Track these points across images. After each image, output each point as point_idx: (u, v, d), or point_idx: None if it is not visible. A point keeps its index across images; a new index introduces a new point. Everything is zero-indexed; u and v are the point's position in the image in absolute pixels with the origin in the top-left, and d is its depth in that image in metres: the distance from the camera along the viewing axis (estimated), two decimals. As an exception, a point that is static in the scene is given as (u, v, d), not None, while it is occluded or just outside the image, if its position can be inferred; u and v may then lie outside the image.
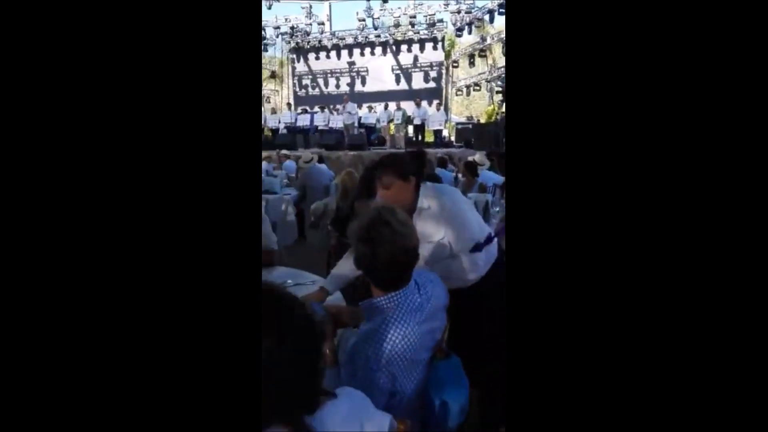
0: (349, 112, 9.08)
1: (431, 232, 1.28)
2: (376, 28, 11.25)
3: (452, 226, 1.31)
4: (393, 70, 11.77)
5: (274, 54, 13.54)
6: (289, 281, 1.57)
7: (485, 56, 10.66)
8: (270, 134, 10.33)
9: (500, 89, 9.44)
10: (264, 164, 6.25)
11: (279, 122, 10.13)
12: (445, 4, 10.20)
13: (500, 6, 8.55)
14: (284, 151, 6.77)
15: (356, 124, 9.14)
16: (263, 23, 12.24)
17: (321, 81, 12.60)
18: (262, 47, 12.76)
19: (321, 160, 4.89)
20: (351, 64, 12.07)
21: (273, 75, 13.69)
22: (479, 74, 10.84)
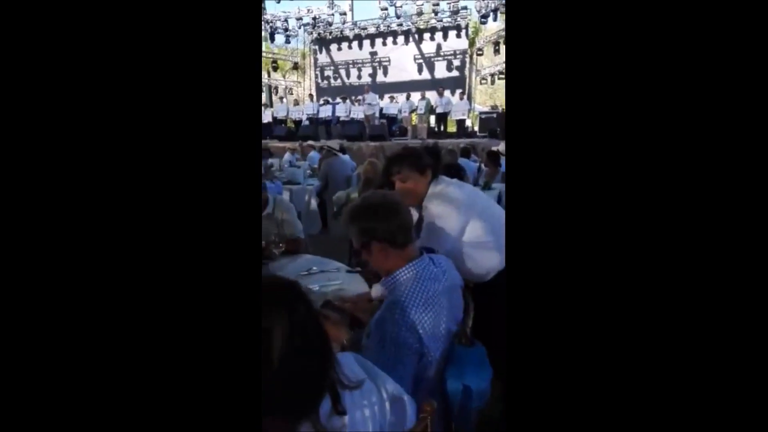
0: (370, 103, 9.07)
1: (434, 215, 1.35)
2: (398, 17, 11.10)
3: (460, 216, 1.34)
4: (415, 59, 11.62)
5: (297, 45, 13.62)
6: (314, 268, 1.62)
7: (510, 43, 10.33)
8: (293, 126, 10.46)
9: (526, 77, 9.13)
10: (287, 155, 6.35)
11: (302, 114, 10.23)
12: (469, -10, 9.95)
13: (527, -10, 8.23)
14: (310, 142, 6.85)
15: (377, 115, 9.13)
16: (286, 15, 12.32)
17: (343, 72, 12.60)
18: (285, 39, 12.87)
19: (343, 150, 4.92)
20: (373, 54, 11.99)
21: (295, 66, 13.79)
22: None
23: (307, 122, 9.91)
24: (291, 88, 13.49)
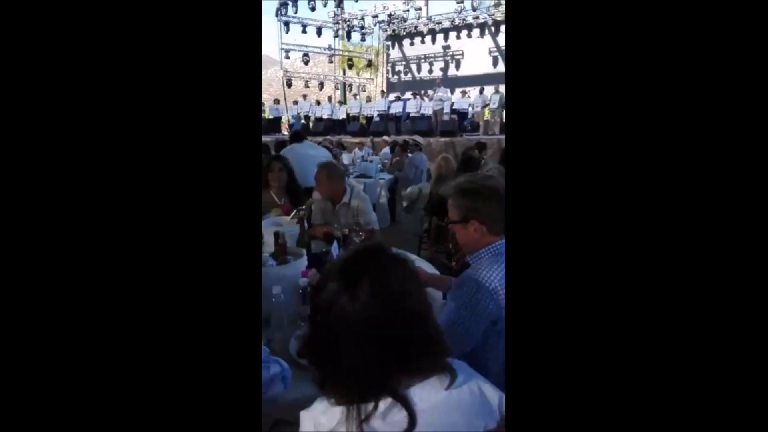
0: (440, 98, 8.96)
1: None
2: (474, 9, 10.78)
3: None
4: (491, 52, 11.19)
5: (371, 43, 13.92)
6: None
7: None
8: (364, 122, 10.76)
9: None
10: (359, 151, 6.57)
11: (373, 110, 10.47)
12: (554, -25, 9.25)
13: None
14: (384, 138, 7.01)
15: (447, 110, 8.99)
16: (362, 13, 12.65)
17: (414, 66, 12.61)
18: (361, 37, 13.23)
19: (420, 146, 4.96)
20: (446, 47, 11.81)
21: (369, 64, 14.12)
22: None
23: (377, 118, 10.12)
24: (364, 85, 13.86)
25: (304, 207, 1.82)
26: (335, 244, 1.68)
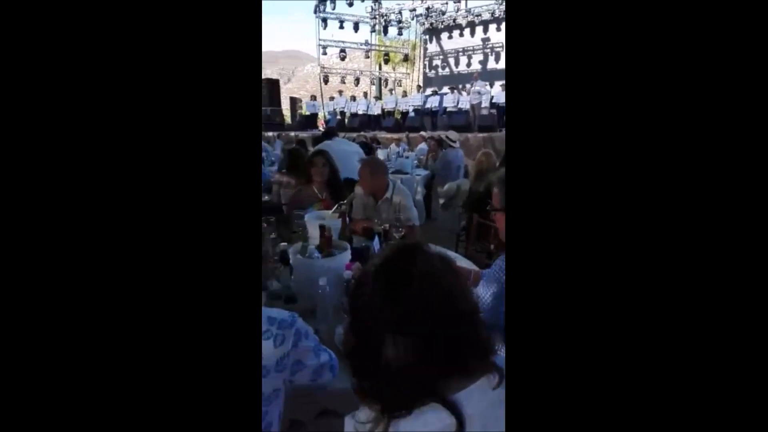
0: (478, 92, 8.73)
1: None
2: None
3: None
4: (532, 43, 10.75)
5: (408, 37, 13.82)
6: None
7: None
8: (400, 117, 10.73)
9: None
10: (395, 147, 6.57)
11: (409, 105, 10.41)
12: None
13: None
14: (422, 133, 6.97)
15: (486, 104, 8.76)
16: (400, 7, 12.56)
17: (452, 60, 12.38)
18: (398, 31, 13.16)
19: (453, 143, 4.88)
20: (485, 40, 11.49)
21: (405, 58, 14.03)
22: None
23: (413, 114, 10.05)
24: (400, 80, 13.80)
25: (345, 201, 1.84)
26: (376, 239, 1.69)
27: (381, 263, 0.56)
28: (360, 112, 11.09)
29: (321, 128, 10.42)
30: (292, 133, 8.90)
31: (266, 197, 3.09)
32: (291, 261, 1.32)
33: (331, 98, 12.18)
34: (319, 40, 12.60)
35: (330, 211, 1.80)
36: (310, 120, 11.84)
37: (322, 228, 1.36)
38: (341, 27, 12.48)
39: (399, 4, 12.51)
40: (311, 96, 12.62)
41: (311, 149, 4.16)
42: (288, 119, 12.38)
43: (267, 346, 0.69)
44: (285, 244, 1.52)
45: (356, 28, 12.60)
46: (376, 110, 11.01)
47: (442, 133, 5.44)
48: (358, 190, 2.14)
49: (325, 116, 12.10)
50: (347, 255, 1.32)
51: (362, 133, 8.63)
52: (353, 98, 11.82)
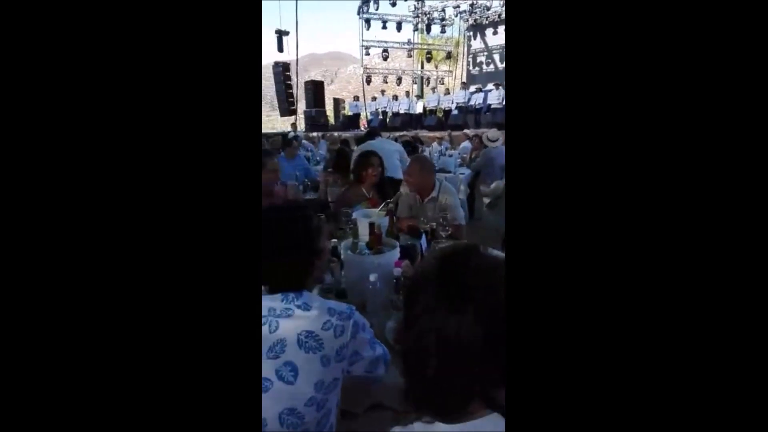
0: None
1: None
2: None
3: None
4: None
5: (451, 34, 13.63)
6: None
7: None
8: (442, 115, 10.60)
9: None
10: (437, 145, 6.50)
11: (451, 103, 10.26)
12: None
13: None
14: (465, 131, 6.85)
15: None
16: (443, 5, 12.41)
17: (497, 57, 12.04)
18: (441, 29, 13.01)
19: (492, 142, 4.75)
20: (533, 34, 11.03)
21: (448, 56, 13.84)
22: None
23: (455, 111, 9.89)
24: (443, 78, 13.64)
25: (392, 200, 1.86)
26: (423, 237, 1.69)
27: (438, 265, 0.54)
28: (402, 112, 11.09)
29: (363, 128, 10.56)
30: (336, 134, 9.11)
31: (313, 195, 3.20)
32: (342, 257, 1.36)
33: (374, 98, 12.30)
34: (362, 41, 12.76)
35: (377, 210, 1.82)
36: (353, 120, 12.03)
37: (371, 225, 1.38)
38: (384, 27, 12.56)
39: (442, 2, 12.36)
40: (354, 96, 12.82)
41: (354, 148, 4.24)
42: (332, 120, 12.67)
43: (327, 336, 0.72)
44: (335, 240, 1.56)
45: (399, 27, 12.62)
46: (417, 109, 10.96)
47: (483, 131, 5.31)
48: (404, 188, 2.14)
49: (367, 116, 12.25)
50: (396, 253, 1.33)
51: (404, 132, 8.64)
52: (395, 97, 11.84)
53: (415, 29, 13.28)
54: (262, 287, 0.77)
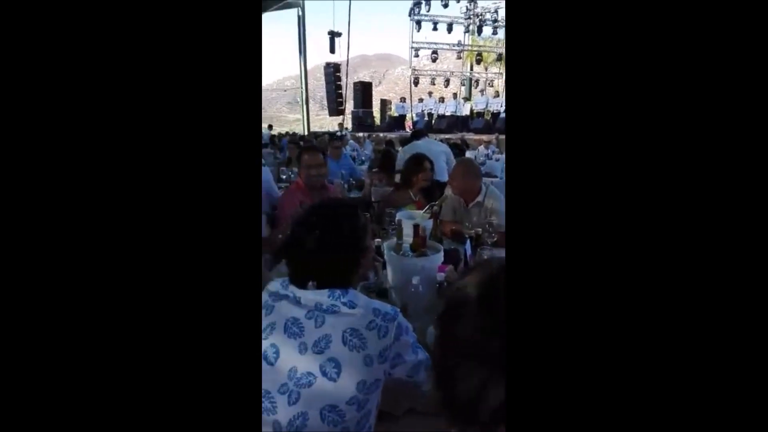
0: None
1: None
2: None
3: None
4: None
5: (503, 36, 13.22)
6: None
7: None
8: (490, 118, 10.33)
9: None
10: (483, 149, 6.34)
11: (500, 105, 9.97)
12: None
13: None
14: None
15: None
16: (495, 5, 12.09)
17: (552, 59, 11.51)
18: (492, 30, 12.69)
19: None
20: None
21: (499, 58, 13.47)
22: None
23: (504, 114, 9.59)
24: (492, 80, 13.30)
25: (437, 202, 1.83)
26: (468, 243, 1.65)
27: (481, 285, 0.50)
28: (448, 113, 10.96)
29: (408, 129, 10.55)
30: (381, 134, 9.18)
31: (358, 194, 3.24)
32: (385, 257, 1.36)
33: (420, 100, 12.26)
34: (412, 42, 12.77)
35: (421, 212, 1.80)
36: (398, 121, 12.07)
37: (416, 227, 1.37)
38: (435, 28, 12.48)
39: (495, 3, 12.05)
40: (401, 98, 12.86)
41: (399, 149, 4.24)
42: (377, 121, 12.80)
43: (371, 336, 0.72)
44: (378, 240, 1.57)
45: (450, 29, 12.48)
46: (464, 111, 10.77)
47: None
48: (448, 191, 2.11)
49: (412, 117, 12.23)
50: (440, 256, 1.31)
51: (449, 135, 8.52)
52: (441, 99, 11.72)
53: (466, 31, 13.07)
54: (310, 282, 0.78)
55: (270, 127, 9.68)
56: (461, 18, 12.74)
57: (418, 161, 2.20)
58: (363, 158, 5.79)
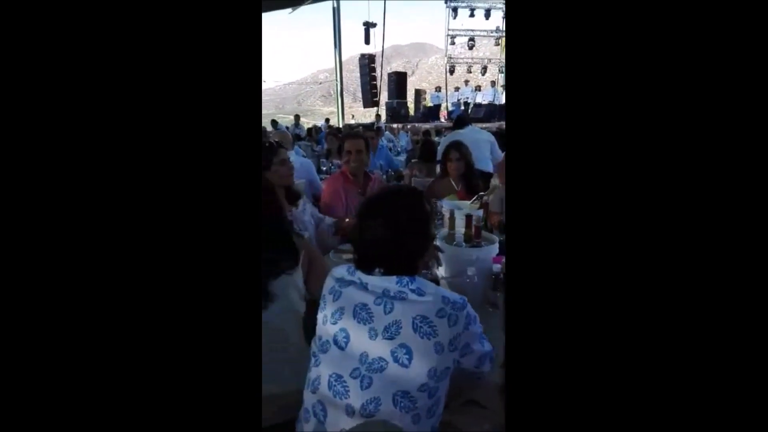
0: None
1: None
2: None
3: None
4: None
5: (545, 19, 12.61)
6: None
7: None
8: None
9: None
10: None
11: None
12: None
13: None
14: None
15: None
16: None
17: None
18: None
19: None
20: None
21: (540, 43, 12.86)
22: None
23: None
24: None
25: (486, 192, 1.79)
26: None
27: None
28: (485, 102, 10.65)
29: (443, 119, 10.37)
30: (417, 125, 9.08)
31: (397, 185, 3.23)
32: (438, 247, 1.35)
33: (456, 89, 11.99)
34: (448, 30, 12.45)
35: (468, 202, 1.77)
36: (433, 111, 11.88)
37: (468, 218, 1.34)
38: (472, 15, 12.10)
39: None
40: (436, 87, 12.63)
41: (436, 140, 4.16)
42: (412, 111, 12.67)
43: (441, 324, 0.71)
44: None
45: (487, 15, 12.04)
46: (502, 99, 10.43)
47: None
48: (495, 181, 2.05)
49: (447, 107, 12.00)
50: (495, 248, 1.28)
51: (488, 124, 8.29)
52: (478, 88, 11.40)
53: (505, 16, 12.55)
54: (377, 269, 0.78)
55: (297, 118, 9.60)
56: (499, 3, 12.25)
57: (448, 148, 2.16)
58: (399, 149, 5.76)
